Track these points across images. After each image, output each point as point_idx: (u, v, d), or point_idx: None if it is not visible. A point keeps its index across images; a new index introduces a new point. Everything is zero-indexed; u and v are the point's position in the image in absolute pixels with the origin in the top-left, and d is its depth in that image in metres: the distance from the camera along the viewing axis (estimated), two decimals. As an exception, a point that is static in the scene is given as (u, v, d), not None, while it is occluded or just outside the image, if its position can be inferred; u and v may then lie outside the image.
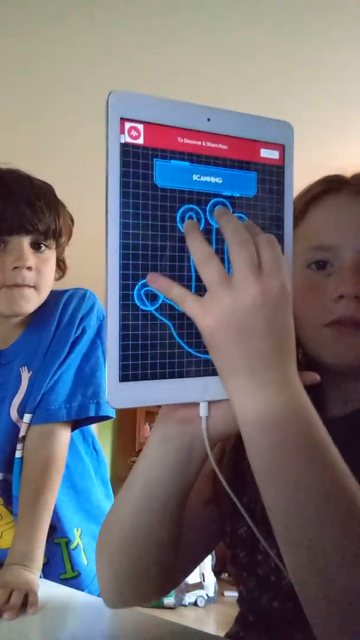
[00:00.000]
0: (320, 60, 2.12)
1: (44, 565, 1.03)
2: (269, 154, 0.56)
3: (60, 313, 1.10)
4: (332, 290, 0.63)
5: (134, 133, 0.50)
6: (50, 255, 1.04)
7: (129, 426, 5.67)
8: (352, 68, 2.17)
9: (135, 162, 0.50)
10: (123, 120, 0.50)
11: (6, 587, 0.87)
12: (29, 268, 0.99)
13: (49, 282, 1.04)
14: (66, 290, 1.13)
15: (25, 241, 0.99)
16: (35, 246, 1.01)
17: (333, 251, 0.65)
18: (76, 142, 2.52)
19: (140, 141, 0.50)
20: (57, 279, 1.10)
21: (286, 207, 0.56)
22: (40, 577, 0.97)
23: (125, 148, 0.50)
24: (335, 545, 0.46)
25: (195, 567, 0.74)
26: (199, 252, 0.50)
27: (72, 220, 1.07)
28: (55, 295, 1.09)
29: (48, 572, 1.07)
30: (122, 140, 0.50)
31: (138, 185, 0.50)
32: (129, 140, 0.50)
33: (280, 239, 0.55)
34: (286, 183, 0.56)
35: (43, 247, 1.02)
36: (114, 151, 0.49)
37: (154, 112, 0.51)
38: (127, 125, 0.50)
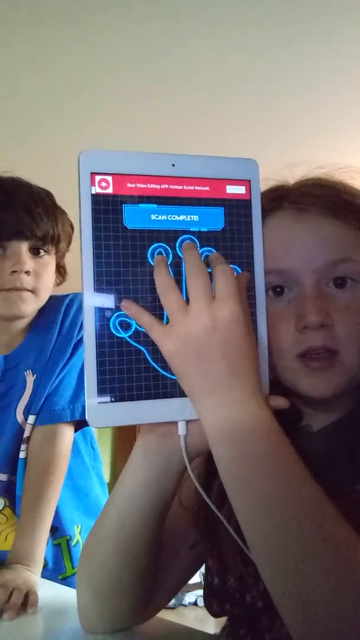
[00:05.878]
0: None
1: (43, 568, 1.02)
2: (235, 190, 0.59)
3: (62, 317, 1.12)
4: (296, 320, 0.60)
5: (103, 184, 0.55)
6: (49, 260, 1.05)
7: (130, 426, 5.63)
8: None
9: (105, 209, 0.55)
10: (93, 174, 0.55)
11: (7, 587, 0.87)
12: (27, 272, 1.01)
13: (47, 287, 1.06)
14: (67, 295, 1.15)
15: (24, 246, 1.01)
16: (34, 251, 1.03)
17: (288, 276, 0.61)
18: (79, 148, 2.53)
19: (110, 191, 0.55)
20: (58, 284, 1.11)
21: (255, 238, 0.59)
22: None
23: (96, 198, 0.55)
24: (299, 546, 0.47)
25: (174, 595, 0.77)
26: (161, 283, 0.54)
27: (72, 227, 1.08)
28: (56, 300, 1.11)
29: (47, 575, 1.06)
30: (93, 192, 0.55)
31: (109, 229, 0.55)
32: (99, 191, 0.55)
33: (250, 267, 0.59)
34: (254, 215, 0.59)
35: (42, 252, 1.04)
36: (85, 201, 0.55)
37: (121, 164, 0.56)
38: (97, 178, 0.55)
